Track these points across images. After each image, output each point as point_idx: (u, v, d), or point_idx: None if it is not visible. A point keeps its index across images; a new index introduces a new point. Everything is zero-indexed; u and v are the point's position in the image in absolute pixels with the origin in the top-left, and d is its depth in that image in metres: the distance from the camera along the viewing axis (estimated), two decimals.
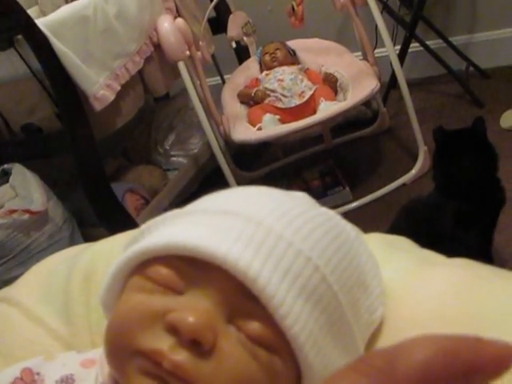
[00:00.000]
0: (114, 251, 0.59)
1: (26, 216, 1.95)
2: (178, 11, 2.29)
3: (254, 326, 0.49)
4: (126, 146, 2.72)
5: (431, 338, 0.31)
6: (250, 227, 0.52)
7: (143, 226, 0.60)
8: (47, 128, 1.95)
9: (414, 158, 2.28)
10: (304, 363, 0.51)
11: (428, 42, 2.70)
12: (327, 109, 2.10)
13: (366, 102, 2.51)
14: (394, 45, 2.44)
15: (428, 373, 0.29)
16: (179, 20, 2.14)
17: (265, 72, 2.38)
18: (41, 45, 1.68)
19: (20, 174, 2.03)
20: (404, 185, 2.26)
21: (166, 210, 0.59)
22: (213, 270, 0.49)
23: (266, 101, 2.26)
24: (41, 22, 1.68)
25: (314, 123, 2.06)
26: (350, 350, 0.55)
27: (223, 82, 2.74)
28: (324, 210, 0.60)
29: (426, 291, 0.62)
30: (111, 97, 1.86)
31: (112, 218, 1.99)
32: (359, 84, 2.15)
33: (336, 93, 2.27)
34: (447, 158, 1.55)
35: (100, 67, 1.84)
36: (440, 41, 2.77)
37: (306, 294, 0.50)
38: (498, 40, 2.84)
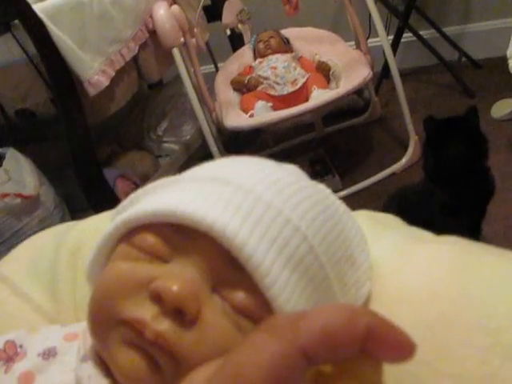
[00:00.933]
0: (100, 228, 0.56)
1: (18, 200, 1.94)
2: None
3: (239, 296, 0.48)
4: (119, 132, 2.72)
5: (339, 305, 0.32)
6: (239, 195, 0.51)
7: (132, 195, 0.59)
8: (41, 113, 1.95)
9: (405, 148, 2.30)
10: None
11: (421, 32, 2.72)
12: (320, 97, 2.11)
13: (358, 91, 2.52)
14: (388, 34, 2.44)
15: (328, 335, 0.30)
16: (175, 7, 2.14)
17: (258, 60, 2.39)
18: (37, 30, 1.68)
19: (13, 159, 2.03)
20: (394, 174, 2.27)
21: None
22: (200, 238, 0.48)
23: (259, 88, 2.27)
24: (37, 8, 1.68)
25: (307, 111, 2.07)
26: None
27: (217, 69, 2.74)
28: (314, 183, 0.59)
29: (415, 267, 0.61)
30: (106, 82, 1.87)
31: (103, 204, 1.98)
32: (352, 72, 2.16)
33: (329, 81, 2.28)
34: (437, 146, 1.56)
35: (95, 53, 1.85)
36: (433, 31, 2.79)
37: (292, 264, 0.49)
38: (491, 31, 2.86)
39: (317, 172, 2.34)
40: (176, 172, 0.59)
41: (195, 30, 2.28)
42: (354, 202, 2.16)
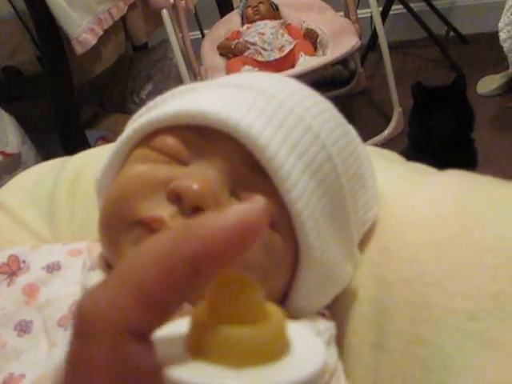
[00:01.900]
0: (101, 158, 0.57)
1: (0, 157, 1.94)
2: None
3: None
4: (102, 93, 2.70)
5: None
6: (263, 99, 0.51)
7: (150, 103, 0.58)
8: (27, 71, 1.94)
9: (388, 120, 2.29)
10: (304, 243, 0.50)
11: (411, 5, 2.70)
12: (307, 63, 2.11)
13: (344, 62, 2.51)
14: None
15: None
16: None
17: (246, 25, 2.37)
18: None
19: None
20: (375, 145, 2.27)
21: None
22: (221, 140, 0.49)
23: (246, 53, 2.26)
24: None
25: (293, 76, 2.06)
26: (346, 241, 0.56)
27: (203, 36, 2.71)
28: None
29: (421, 195, 0.62)
30: (93, 41, 1.86)
31: None
32: (340, 40, 2.16)
33: (316, 49, 2.28)
34: (424, 114, 1.56)
35: (84, 11, 1.83)
36: (423, 4, 2.77)
37: (311, 170, 0.50)
38: (480, 6, 2.86)
39: None
40: None
41: None
42: None
